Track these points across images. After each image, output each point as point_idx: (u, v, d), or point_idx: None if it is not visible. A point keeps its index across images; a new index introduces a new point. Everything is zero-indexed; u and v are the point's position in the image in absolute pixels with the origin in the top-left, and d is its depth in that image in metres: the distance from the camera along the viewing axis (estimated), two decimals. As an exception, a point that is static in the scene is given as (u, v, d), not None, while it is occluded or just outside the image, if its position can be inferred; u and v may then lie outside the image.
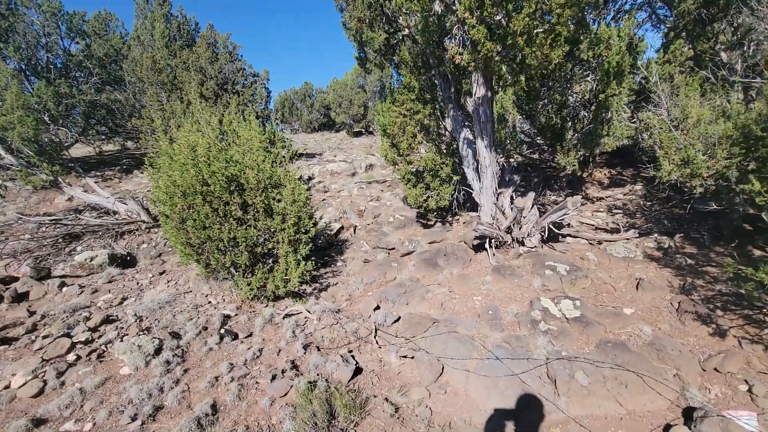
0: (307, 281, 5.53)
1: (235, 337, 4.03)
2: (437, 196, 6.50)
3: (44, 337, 3.84)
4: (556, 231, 5.87)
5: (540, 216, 5.89)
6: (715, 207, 5.25)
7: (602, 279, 5.03)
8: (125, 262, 6.37)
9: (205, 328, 4.14)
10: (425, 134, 6.46)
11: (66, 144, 13.65)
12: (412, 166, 6.66)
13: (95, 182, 11.55)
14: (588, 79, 7.75)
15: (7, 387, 3.11)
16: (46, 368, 3.30)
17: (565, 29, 4.03)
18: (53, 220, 6.76)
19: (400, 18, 5.79)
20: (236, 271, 4.81)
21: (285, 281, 4.71)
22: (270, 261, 5.21)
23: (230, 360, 3.58)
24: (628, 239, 5.88)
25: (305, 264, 4.81)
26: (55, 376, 3.21)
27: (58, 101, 11.30)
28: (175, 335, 3.92)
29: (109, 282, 5.52)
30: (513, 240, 5.91)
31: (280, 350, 3.82)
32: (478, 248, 6.03)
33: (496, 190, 5.93)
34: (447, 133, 6.76)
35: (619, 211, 7.22)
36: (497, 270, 5.29)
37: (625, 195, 8.01)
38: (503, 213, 5.77)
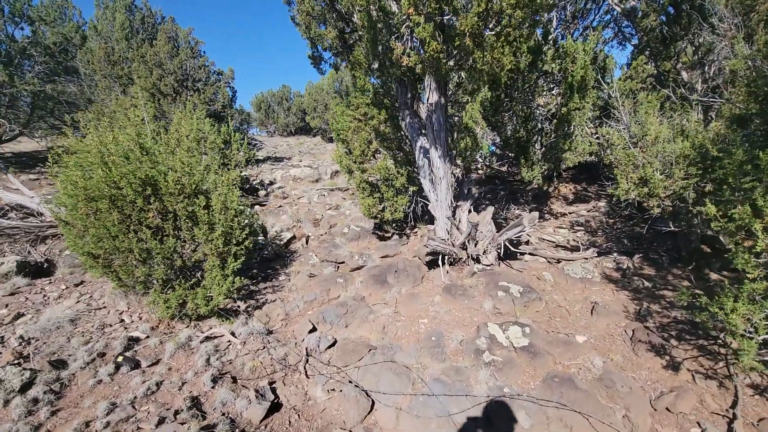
0: (240, 298, 5.00)
1: (136, 366, 3.46)
2: (392, 207, 6.10)
3: None
4: (513, 249, 5.56)
5: (497, 232, 5.57)
6: (673, 228, 5.07)
7: (557, 302, 4.72)
8: (40, 270, 5.65)
9: (102, 355, 3.55)
10: (381, 141, 6.07)
11: (6, 138, 12.63)
12: (367, 174, 6.26)
13: (35, 179, 10.64)
14: (553, 92, 7.60)
15: None
16: None
17: (517, 32, 3.73)
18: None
19: (355, 15, 5.43)
20: (155, 286, 4.25)
21: (207, 299, 4.18)
22: (198, 275, 4.66)
23: (116, 397, 3.03)
24: (587, 259, 5.64)
25: (232, 280, 4.30)
26: None
27: (-5, 89, 10.39)
28: (59, 365, 3.32)
29: (11, 294, 4.82)
30: (468, 257, 5.56)
31: (184, 383, 3.29)
32: (432, 265, 5.65)
33: (452, 203, 5.59)
34: (405, 140, 6.40)
35: (581, 228, 7.02)
36: (448, 290, 4.92)
37: (588, 212, 7.85)
38: (458, 228, 5.42)
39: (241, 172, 9.75)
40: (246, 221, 4.94)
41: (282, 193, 10.16)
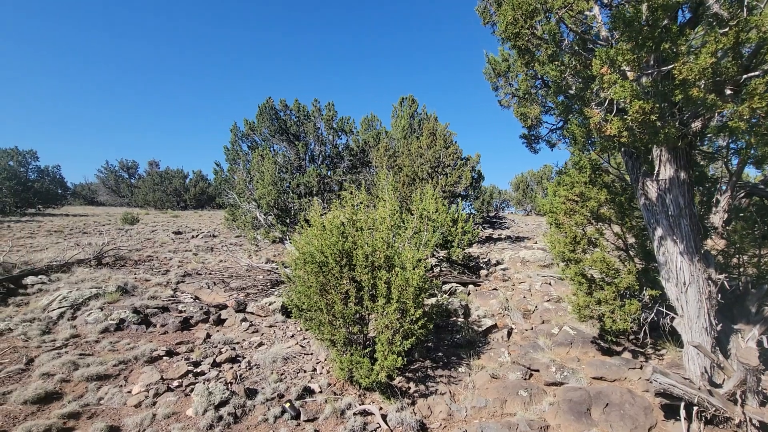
0: (414, 379, 4.85)
1: (296, 416, 3.84)
2: (612, 313, 4.59)
3: (186, 359, 4.85)
4: None
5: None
6: None
7: None
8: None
9: (281, 396, 4.16)
10: (599, 227, 4.84)
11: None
12: (582, 266, 5.07)
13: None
14: None
15: (129, 392, 4.03)
16: (157, 386, 4.09)
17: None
18: (268, 269, 8.82)
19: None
20: (338, 346, 4.75)
21: (369, 371, 4.27)
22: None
23: (265, 441, 3.41)
24: None
25: (395, 359, 4.25)
26: (153, 395, 3.93)
27: (319, 180, 15.15)
28: (251, 393, 4.10)
29: (270, 326, 6.52)
30: (747, 420, 3.37)
31: (317, 452, 3.36)
32: (673, 412, 3.75)
33: (713, 323, 3.65)
34: (639, 226, 4.86)
35: None
36: (689, 465, 3.08)
37: None
38: (719, 365, 3.44)
39: (463, 249, 9.97)
40: (427, 299, 4.89)
41: (503, 275, 9.59)
